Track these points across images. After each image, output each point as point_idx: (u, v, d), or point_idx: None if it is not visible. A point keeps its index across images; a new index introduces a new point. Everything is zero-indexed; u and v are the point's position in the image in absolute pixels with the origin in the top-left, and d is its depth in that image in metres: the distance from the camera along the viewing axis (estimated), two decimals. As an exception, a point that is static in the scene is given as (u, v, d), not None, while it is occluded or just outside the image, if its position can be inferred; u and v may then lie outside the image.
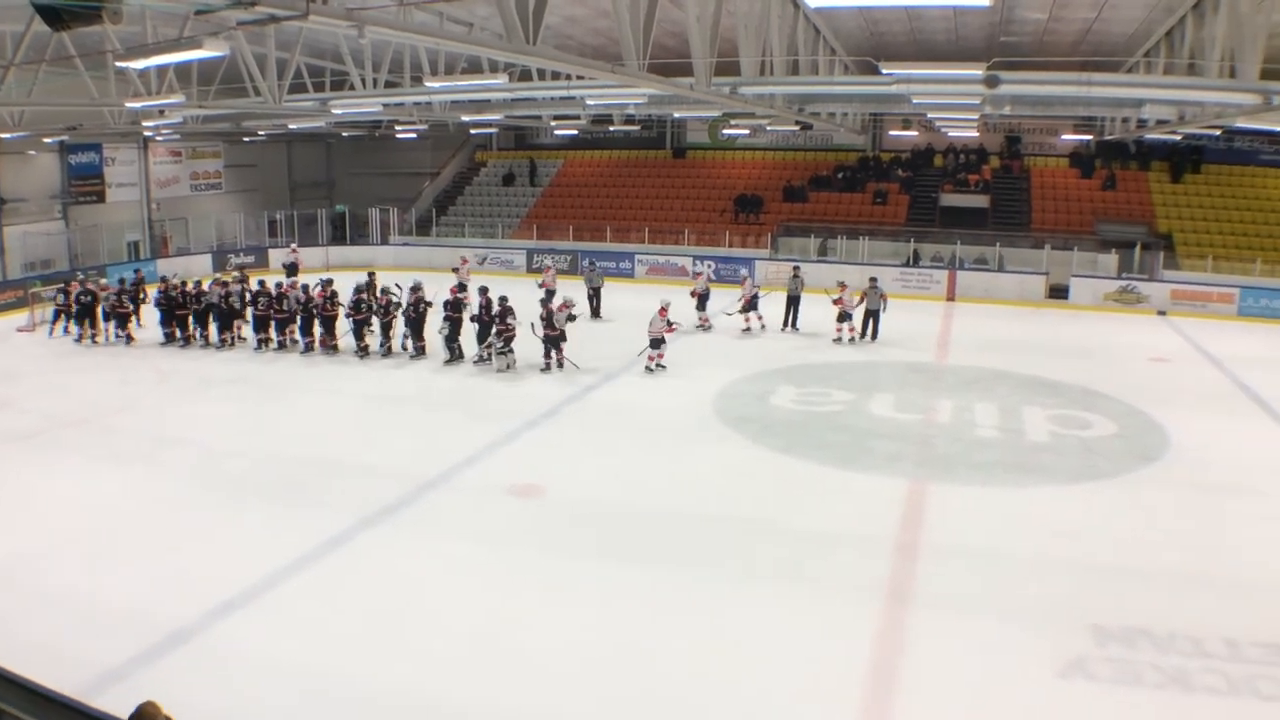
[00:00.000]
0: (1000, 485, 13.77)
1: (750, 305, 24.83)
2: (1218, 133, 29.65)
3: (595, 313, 26.61)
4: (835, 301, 23.12)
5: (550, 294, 24.78)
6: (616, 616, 9.57)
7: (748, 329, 24.58)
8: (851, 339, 23.49)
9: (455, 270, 28.36)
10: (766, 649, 8.94)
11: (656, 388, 19.10)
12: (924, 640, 9.16)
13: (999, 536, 11.84)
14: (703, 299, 25.43)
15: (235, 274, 24.80)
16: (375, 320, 21.30)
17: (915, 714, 7.97)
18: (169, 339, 22.40)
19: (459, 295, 21.11)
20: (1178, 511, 12.93)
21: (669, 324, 20.33)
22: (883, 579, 10.50)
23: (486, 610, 9.64)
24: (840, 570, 10.75)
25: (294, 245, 34.89)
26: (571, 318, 20.33)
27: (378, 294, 21.60)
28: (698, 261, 34.45)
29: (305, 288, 21.72)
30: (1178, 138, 32.29)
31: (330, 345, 21.48)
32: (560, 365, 19.88)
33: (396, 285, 21.66)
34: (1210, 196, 35.42)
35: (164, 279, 23.68)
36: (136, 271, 26.31)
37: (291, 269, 30.81)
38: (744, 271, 32.27)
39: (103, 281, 24.42)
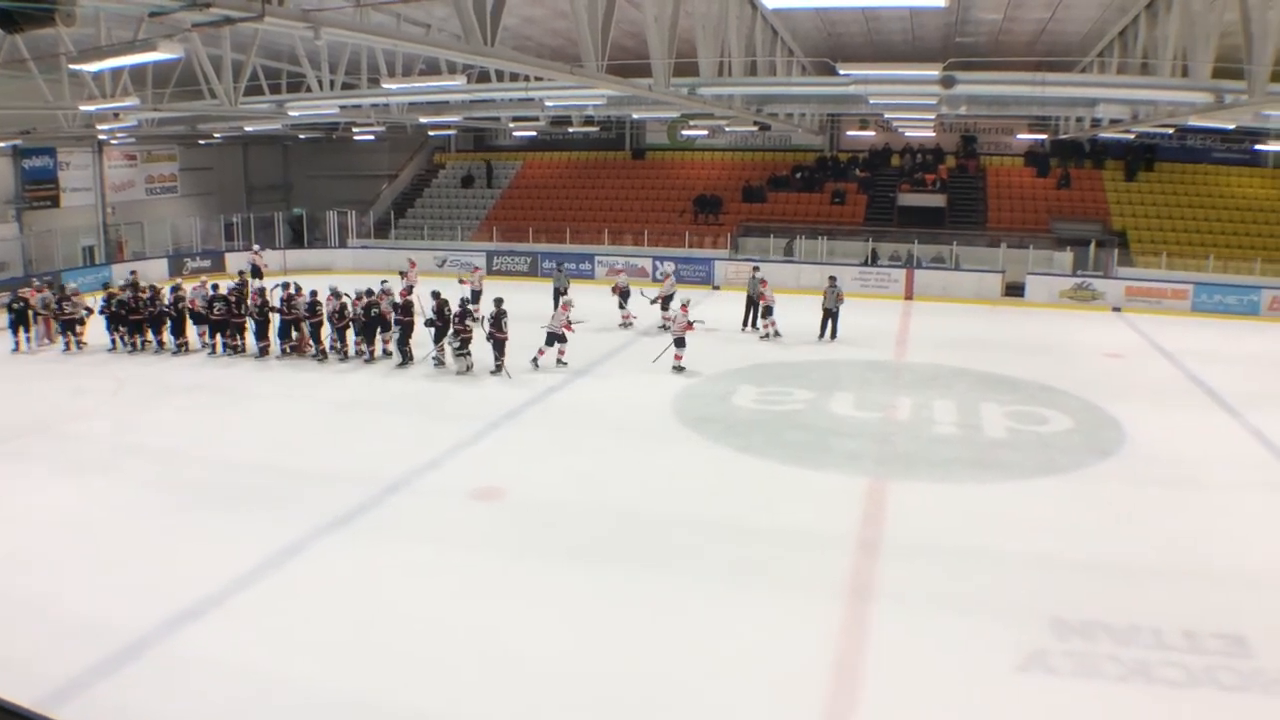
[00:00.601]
0: (960, 482, 13.88)
1: (666, 303, 24.90)
2: (1171, 131, 30.07)
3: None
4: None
5: (476, 295, 24.68)
6: (579, 619, 9.55)
7: (665, 326, 24.42)
8: (766, 335, 23.84)
9: (403, 274, 28.10)
10: (730, 648, 8.96)
11: (617, 389, 19.11)
12: (886, 636, 9.21)
13: (959, 532, 11.94)
14: (624, 295, 25.59)
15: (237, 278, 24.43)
16: (329, 326, 21.12)
17: (878, 710, 8.01)
18: (118, 345, 21.98)
19: (408, 298, 20.93)
20: (1134, 505, 13.09)
21: (689, 322, 20.45)
22: (845, 576, 10.56)
23: (449, 614, 9.59)
24: (803, 568, 10.79)
25: (257, 247, 34.62)
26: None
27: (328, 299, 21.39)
28: (658, 262, 34.51)
29: (261, 290, 21.51)
30: (1131, 136, 32.71)
31: (316, 350, 21.14)
32: (504, 369, 19.69)
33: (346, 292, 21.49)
34: (1164, 194, 35.94)
35: (106, 285, 23.26)
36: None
37: (255, 272, 30.56)
38: (665, 268, 32.00)
39: (72, 286, 23.70)
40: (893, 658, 8.81)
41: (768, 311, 23.96)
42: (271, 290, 21.66)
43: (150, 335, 21.98)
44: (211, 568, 10.42)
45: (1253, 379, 20.69)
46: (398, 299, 20.81)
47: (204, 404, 17.75)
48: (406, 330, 20.55)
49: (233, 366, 20.56)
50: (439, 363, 20.26)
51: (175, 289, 22.39)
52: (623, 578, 10.50)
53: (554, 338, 20.26)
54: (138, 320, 21.82)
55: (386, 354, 20.96)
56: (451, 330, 19.87)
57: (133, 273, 24.51)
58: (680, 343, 20.32)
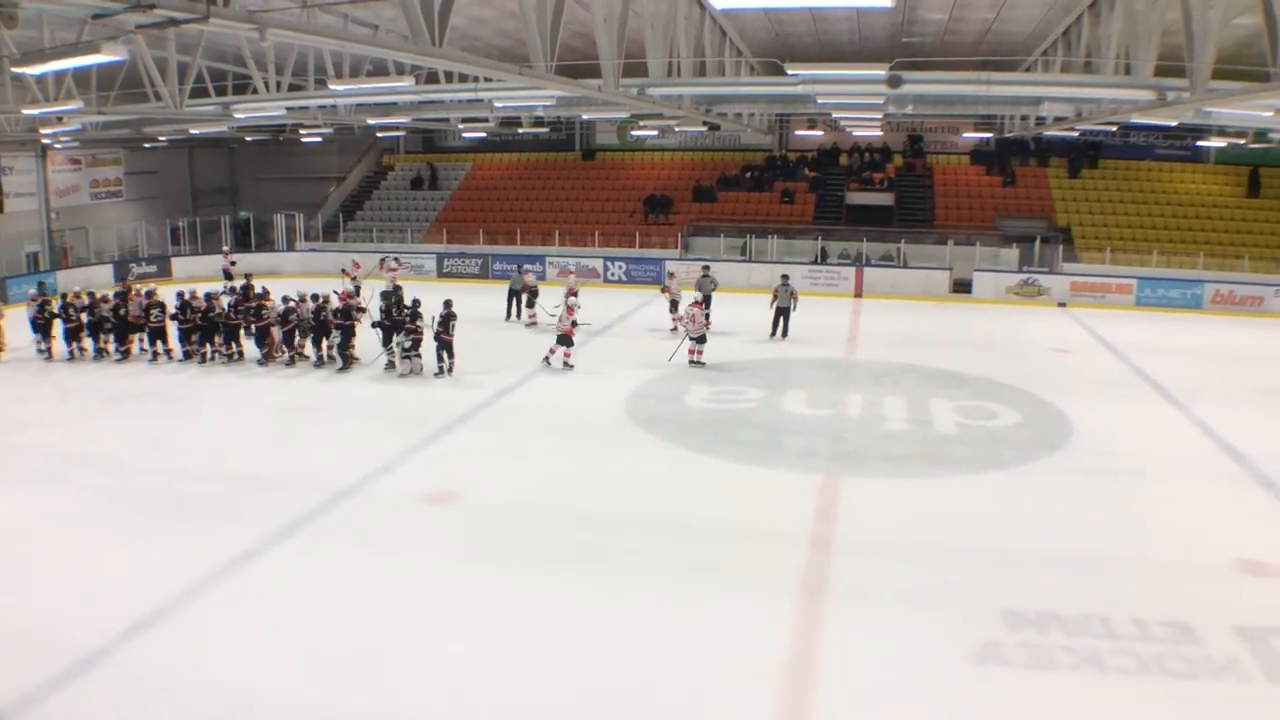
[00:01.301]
0: (911, 477, 14.01)
1: (674, 305, 24.89)
2: (1114, 129, 30.54)
3: (518, 316, 26.41)
4: (664, 290, 24.06)
5: (396, 289, 24.56)
6: (534, 621, 9.50)
7: (675, 328, 24.51)
8: (675, 328, 23.84)
9: (348, 274, 27.81)
10: (686, 647, 8.97)
11: (569, 390, 19.07)
12: (841, 632, 9.27)
13: (911, 527, 12.06)
14: (533, 295, 25.69)
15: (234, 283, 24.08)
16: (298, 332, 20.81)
17: (833, 705, 8.06)
18: (52, 353, 21.40)
19: (349, 301, 20.63)
20: (1082, 497, 13.28)
21: (707, 318, 21.03)
22: (799, 573, 10.61)
23: (406, 620, 9.51)
24: (757, 566, 10.83)
25: (226, 249, 34.24)
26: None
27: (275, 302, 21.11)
28: (609, 263, 34.52)
29: (209, 296, 21.13)
30: (1075, 134, 33.20)
31: (293, 354, 20.79)
32: (450, 371, 19.60)
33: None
34: (1108, 190, 36.52)
35: (33, 293, 22.53)
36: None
37: (227, 276, 30.25)
38: (526, 265, 31.82)
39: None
40: (848, 652, 8.87)
41: (674, 306, 24.31)
42: (220, 295, 21.28)
43: (88, 343, 21.45)
44: (163, 578, 10.25)
45: (1197, 371, 21.07)
46: (337, 303, 20.53)
47: (151, 412, 17.43)
48: (346, 334, 20.32)
49: (178, 373, 20.20)
50: (391, 365, 20.12)
51: (121, 295, 21.89)
52: (578, 580, 10.47)
53: (563, 339, 20.23)
54: (73, 329, 21.21)
55: (332, 359, 20.72)
56: (403, 331, 19.76)
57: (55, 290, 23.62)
58: (701, 339, 20.78)
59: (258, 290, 21.42)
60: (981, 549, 11.34)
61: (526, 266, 29.50)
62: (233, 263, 32.16)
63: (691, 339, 20.90)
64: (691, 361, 20.83)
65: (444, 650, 8.88)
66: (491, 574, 10.59)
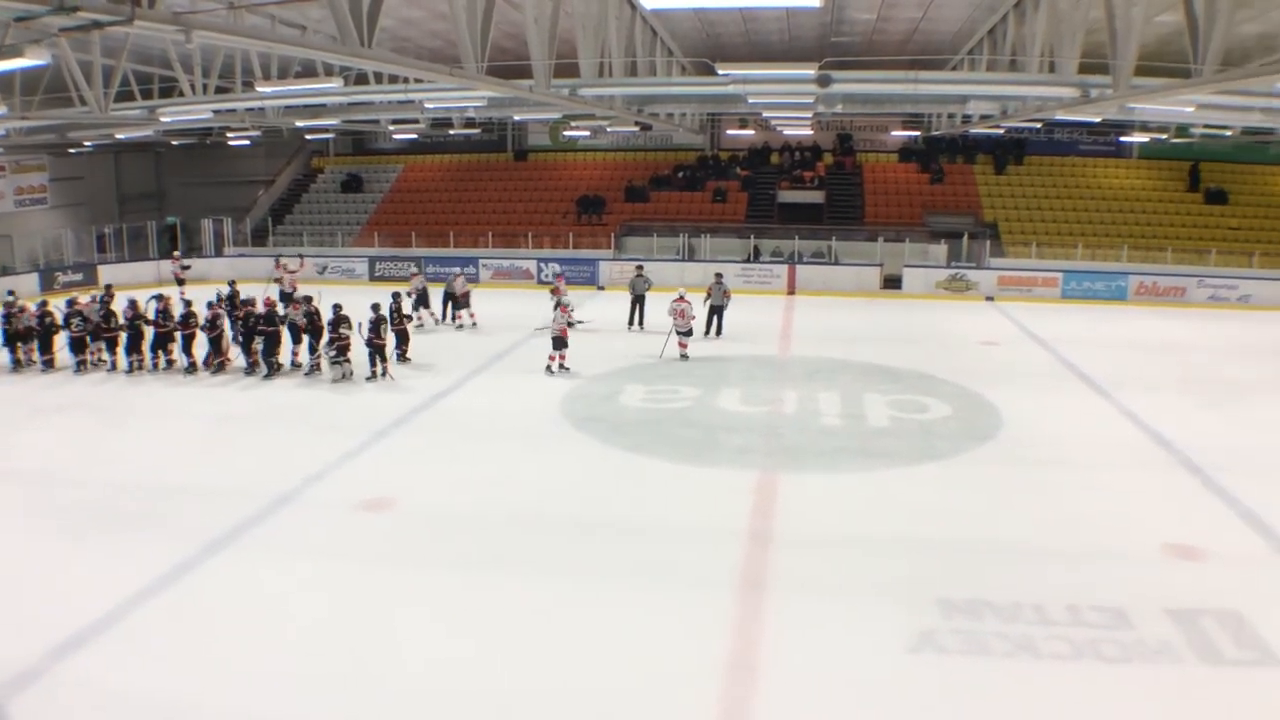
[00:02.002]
0: (846, 471, 14.15)
1: (420, 302, 25.51)
2: (1039, 125, 31.06)
3: (451, 318, 26.21)
4: (553, 291, 24.21)
5: (286, 296, 24.35)
6: (474, 626, 9.45)
7: (420, 325, 24.78)
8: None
9: (277, 280, 27.41)
10: (627, 647, 8.98)
11: (504, 392, 18.99)
12: (781, 625, 9.34)
13: (847, 520, 12.19)
14: (421, 298, 25.60)
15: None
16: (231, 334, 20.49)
17: (777, 698, 8.12)
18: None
19: (271, 308, 20.25)
20: (1013, 486, 13.53)
21: (681, 311, 21.33)
22: (738, 569, 10.67)
23: (342, 628, 9.40)
24: (696, 564, 10.86)
25: (177, 254, 33.65)
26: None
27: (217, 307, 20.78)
28: (543, 264, 34.46)
29: (133, 303, 20.68)
30: (1001, 131, 33.79)
31: (219, 362, 20.40)
32: (384, 374, 19.40)
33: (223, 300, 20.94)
34: (1033, 186, 37.19)
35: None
36: None
37: (179, 282, 29.79)
38: (413, 268, 31.59)
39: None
40: (788, 646, 8.94)
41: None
42: (146, 303, 20.83)
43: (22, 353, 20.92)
44: (94, 592, 10.00)
45: (1122, 361, 21.54)
46: (261, 308, 20.19)
47: (78, 424, 16.97)
48: (271, 340, 19.96)
49: (104, 384, 19.71)
50: (313, 370, 19.90)
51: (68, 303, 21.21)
52: (518, 583, 10.40)
53: (558, 342, 20.12)
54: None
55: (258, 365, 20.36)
56: (326, 338, 19.52)
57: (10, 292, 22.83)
58: (688, 333, 21.39)
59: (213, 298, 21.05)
60: (916, 540, 11.47)
61: (414, 269, 29.62)
62: (185, 267, 31.70)
63: (680, 333, 21.32)
64: (682, 355, 21.30)
65: (381, 658, 8.78)
66: (427, 580, 10.49)
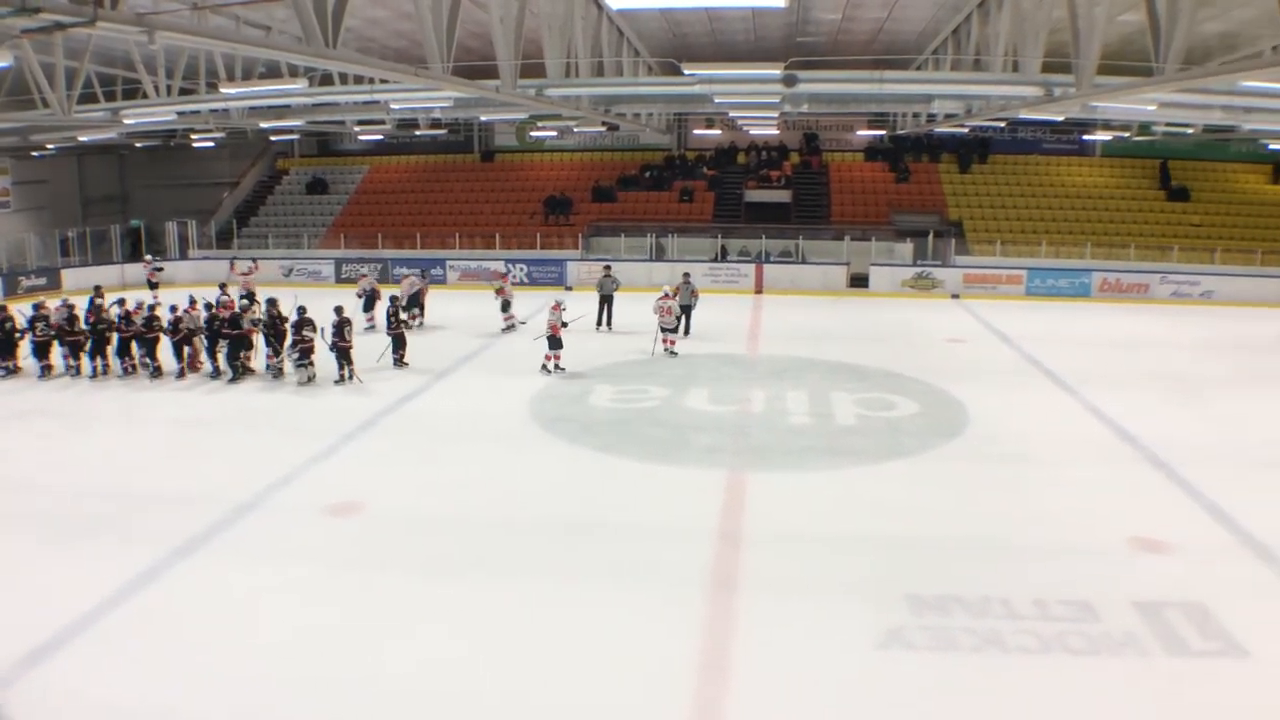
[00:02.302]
0: (814, 469, 14.19)
1: (369, 304, 25.50)
2: (1003, 124, 31.32)
3: (421, 320, 26.11)
4: (498, 291, 24.70)
5: (250, 296, 24.22)
6: (445, 629, 9.41)
7: (370, 326, 24.71)
8: (511, 326, 24.78)
9: (244, 284, 27.17)
10: (598, 647, 8.97)
11: (473, 394, 18.95)
12: (751, 624, 9.36)
13: (816, 519, 12.22)
14: (369, 300, 25.51)
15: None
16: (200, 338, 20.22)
17: (748, 696, 8.13)
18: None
19: (234, 310, 20.01)
20: (980, 482, 13.62)
21: (667, 309, 21.84)
22: (708, 568, 10.68)
23: (311, 634, 9.31)
24: (667, 564, 10.85)
25: (149, 258, 33.34)
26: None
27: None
28: (510, 265, 34.41)
29: (98, 308, 20.41)
30: (965, 130, 34.03)
31: (153, 367, 20.04)
32: (351, 377, 19.21)
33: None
34: (997, 184, 37.52)
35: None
36: None
37: (152, 285, 29.57)
38: (362, 270, 31.61)
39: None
40: (759, 644, 8.96)
41: (505, 306, 25.10)
42: (109, 307, 20.56)
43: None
44: (62, 600, 9.86)
45: (1087, 357, 21.78)
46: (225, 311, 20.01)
47: (42, 430, 16.72)
48: (235, 343, 19.74)
49: (67, 389, 19.46)
50: (277, 373, 19.74)
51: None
52: (489, 586, 10.36)
53: (552, 342, 20.07)
54: None
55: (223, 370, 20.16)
56: (290, 341, 19.40)
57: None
58: (673, 329, 22.05)
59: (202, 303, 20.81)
60: (885, 537, 11.53)
61: (364, 272, 29.62)
62: (158, 269, 31.48)
63: (664, 330, 21.73)
64: (667, 351, 21.67)
65: (353, 661, 8.73)
66: (397, 584, 10.40)
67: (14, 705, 7.96)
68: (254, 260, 30.42)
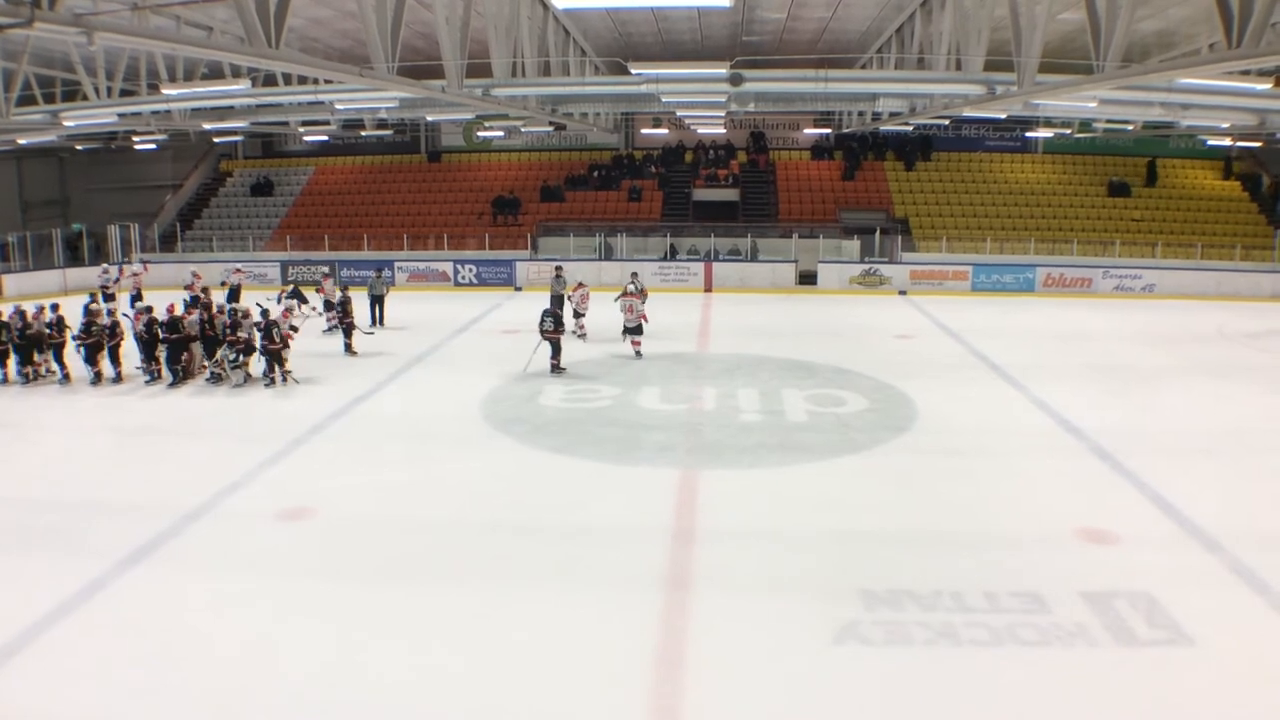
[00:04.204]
0: (766, 466, 14.26)
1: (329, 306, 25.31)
2: (947, 122, 31.68)
3: (379, 321, 25.92)
4: (317, 289, 25.17)
5: (235, 292, 24.01)
6: (401, 634, 9.33)
7: (330, 328, 24.46)
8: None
9: (191, 287, 26.82)
10: (554, 648, 8.95)
11: (423, 396, 18.86)
12: (706, 622, 9.38)
13: (769, 515, 12.30)
14: (329, 305, 25.30)
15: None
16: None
17: (704, 695, 8.16)
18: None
19: (176, 315, 19.65)
20: (930, 476, 13.74)
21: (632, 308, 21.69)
22: (662, 567, 10.70)
23: (264, 642, 9.20)
24: (620, 563, 10.87)
25: (105, 266, 32.69)
26: (294, 328, 19.70)
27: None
28: (459, 266, 34.26)
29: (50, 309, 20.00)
30: (910, 128, 34.38)
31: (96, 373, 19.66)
32: (285, 379, 19.06)
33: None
34: (942, 182, 37.91)
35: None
36: None
37: (106, 296, 29.00)
38: (309, 273, 31.59)
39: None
40: (714, 642, 8.99)
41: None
42: (39, 311, 20.06)
43: None
44: (6, 614, 9.66)
45: (1032, 352, 22.10)
46: (163, 315, 19.62)
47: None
48: (175, 348, 19.44)
49: (4, 397, 19.07)
50: (215, 377, 19.45)
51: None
52: (444, 589, 10.32)
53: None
54: None
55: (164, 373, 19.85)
56: (226, 343, 19.16)
57: None
58: (638, 330, 21.74)
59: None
60: (837, 532, 11.62)
61: (325, 271, 29.45)
62: (115, 279, 30.89)
63: (629, 330, 21.68)
64: (636, 353, 21.60)
65: (306, 671, 8.63)
66: (352, 589, 10.31)
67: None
68: (144, 263, 30.22)
